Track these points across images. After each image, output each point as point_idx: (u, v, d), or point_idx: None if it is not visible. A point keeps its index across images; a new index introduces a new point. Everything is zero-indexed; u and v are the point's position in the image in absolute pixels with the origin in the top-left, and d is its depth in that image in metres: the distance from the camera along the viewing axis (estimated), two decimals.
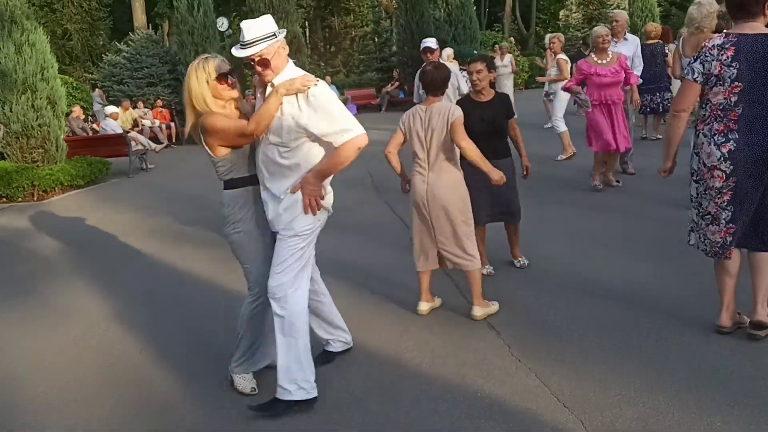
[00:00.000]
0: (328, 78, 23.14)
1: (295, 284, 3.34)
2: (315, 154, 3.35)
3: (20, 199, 10.66)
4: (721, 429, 2.93)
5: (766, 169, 3.52)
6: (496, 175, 4.27)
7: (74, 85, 19.62)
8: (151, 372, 4.06)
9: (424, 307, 4.55)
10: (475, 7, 42.58)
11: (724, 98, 3.55)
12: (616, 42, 8.10)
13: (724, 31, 3.71)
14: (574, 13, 35.39)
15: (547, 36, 13.12)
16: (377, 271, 5.55)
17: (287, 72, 3.30)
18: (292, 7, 17.95)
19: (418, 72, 7.01)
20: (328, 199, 3.47)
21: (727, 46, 3.51)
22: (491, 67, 5.02)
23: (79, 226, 8.46)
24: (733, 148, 3.54)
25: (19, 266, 6.78)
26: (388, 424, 3.25)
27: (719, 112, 3.59)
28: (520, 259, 5.37)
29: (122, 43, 21.00)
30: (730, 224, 3.64)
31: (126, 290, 5.68)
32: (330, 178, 3.44)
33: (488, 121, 4.82)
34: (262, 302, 3.48)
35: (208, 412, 3.51)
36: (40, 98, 11.09)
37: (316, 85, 3.19)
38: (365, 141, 3.27)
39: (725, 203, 3.62)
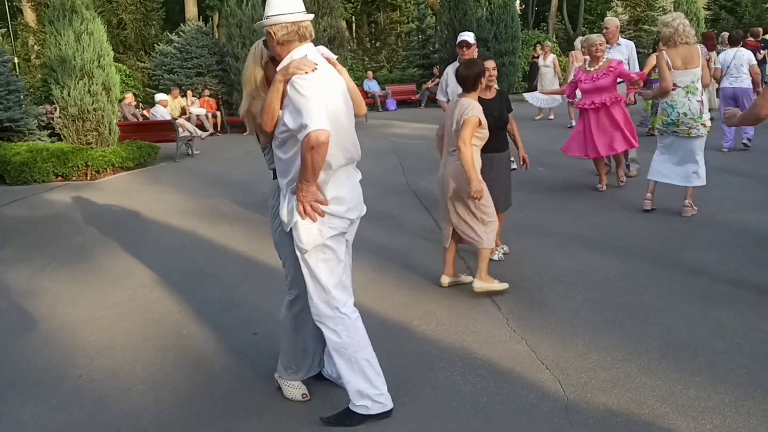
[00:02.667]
0: (369, 73, 23.60)
1: (330, 304, 3.16)
2: None
3: (74, 178, 11.37)
4: (681, 392, 3.32)
5: None
6: (476, 185, 4.56)
7: (127, 72, 20.47)
8: (189, 328, 4.59)
9: (444, 280, 4.98)
10: (523, 6, 42.79)
11: None
12: (609, 48, 8.36)
13: None
14: (621, 14, 35.25)
15: (579, 38, 13.40)
16: (397, 252, 6.00)
17: (294, 55, 3.04)
18: (336, 2, 18.45)
19: (446, 70, 7.42)
20: (339, 207, 3.12)
21: None
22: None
23: (128, 203, 9.09)
24: None
25: (74, 237, 7.40)
26: (390, 378, 3.68)
27: None
28: (502, 246, 5.68)
29: (173, 33, 21.79)
30: None
31: (168, 260, 6.24)
32: (338, 183, 3.14)
33: (497, 117, 5.23)
34: (302, 307, 3.33)
35: (236, 361, 4.01)
36: (96, 84, 11.79)
37: (306, 72, 2.92)
38: (317, 139, 2.80)
39: None
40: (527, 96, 9.40)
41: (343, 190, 3.14)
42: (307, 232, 3.07)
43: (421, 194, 8.42)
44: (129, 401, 3.63)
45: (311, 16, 3.16)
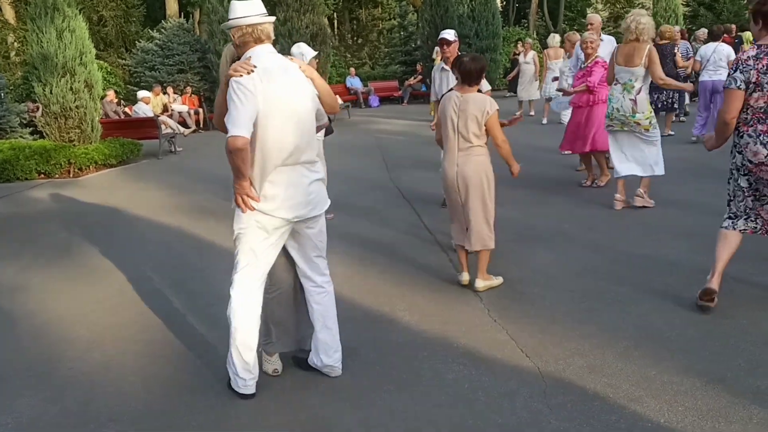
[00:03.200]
0: (352, 69, 23.68)
1: (234, 283, 3.45)
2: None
3: (57, 176, 11.37)
4: (654, 377, 3.46)
5: None
6: (517, 169, 4.83)
7: (108, 70, 20.40)
8: (177, 320, 4.68)
9: (464, 277, 4.94)
10: (504, 2, 43.01)
11: (765, 102, 3.96)
12: None
13: (757, 42, 4.06)
14: (601, 10, 35.60)
15: (554, 35, 13.60)
16: (381, 246, 6.11)
17: (247, 56, 3.27)
18: None
19: (432, 72, 7.52)
20: (266, 205, 3.30)
21: (761, 56, 3.93)
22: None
23: (112, 200, 9.12)
24: (762, 150, 3.98)
25: (59, 234, 7.44)
26: (375, 366, 3.81)
27: (761, 115, 3.99)
28: None
29: (154, 30, 21.73)
30: (755, 209, 4.20)
31: (154, 255, 6.31)
32: (272, 182, 3.29)
33: None
34: (268, 287, 3.60)
35: (225, 352, 4.09)
36: (78, 81, 11.79)
37: (241, 75, 3.14)
38: (233, 144, 3.06)
39: (758, 192, 4.15)
40: (553, 106, 9.72)
41: (276, 190, 3.29)
42: (238, 220, 3.39)
43: (405, 189, 8.54)
44: (121, 391, 3.71)
45: (270, 18, 3.35)
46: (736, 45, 15.29)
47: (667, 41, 10.96)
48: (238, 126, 3.08)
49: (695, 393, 3.28)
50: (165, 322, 4.66)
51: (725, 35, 16.14)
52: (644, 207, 6.66)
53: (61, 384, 3.85)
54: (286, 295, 3.69)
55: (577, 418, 3.13)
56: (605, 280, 4.90)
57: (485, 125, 4.62)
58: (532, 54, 16.40)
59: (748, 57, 3.98)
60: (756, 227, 4.26)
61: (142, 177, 11.22)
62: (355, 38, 38.32)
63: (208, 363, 3.98)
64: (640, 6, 29.99)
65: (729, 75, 4.08)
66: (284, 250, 3.57)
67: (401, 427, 3.19)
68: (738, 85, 3.99)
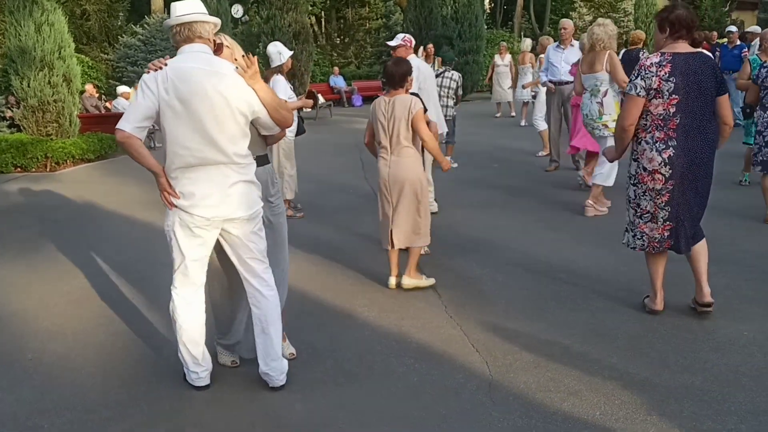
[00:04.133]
0: (336, 69, 23.74)
1: (173, 281, 3.54)
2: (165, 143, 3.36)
3: (34, 170, 11.35)
4: (596, 372, 3.58)
5: (698, 171, 4.02)
6: (447, 164, 4.95)
7: (90, 64, 20.32)
8: (141, 314, 4.75)
9: (391, 281, 4.98)
10: (492, 4, 43.18)
11: (664, 109, 3.98)
12: (563, 49, 8.68)
13: (661, 49, 4.10)
14: (585, 15, 35.85)
15: (527, 40, 13.77)
16: (350, 243, 6.22)
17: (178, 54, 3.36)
18: None
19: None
20: (184, 202, 3.33)
21: (663, 63, 3.95)
22: None
23: (87, 195, 9.14)
24: (672, 154, 3.99)
25: (31, 228, 7.47)
26: (330, 361, 3.91)
27: (659, 122, 4.01)
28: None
29: (138, 25, 21.67)
30: (667, 222, 4.11)
31: (125, 250, 6.36)
32: (191, 180, 3.33)
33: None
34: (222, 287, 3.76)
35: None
36: (57, 75, 11.76)
37: (148, 72, 3.27)
38: (117, 137, 3.24)
39: (663, 203, 4.08)
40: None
41: (193, 188, 3.31)
42: (166, 217, 3.47)
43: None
44: (78, 382, 3.78)
45: (208, 18, 3.35)
46: (716, 51, 15.50)
47: (635, 46, 11.11)
48: (125, 120, 3.21)
49: (632, 388, 3.40)
50: (128, 316, 4.73)
51: (704, 42, 16.38)
52: (595, 215, 6.73)
53: (19, 375, 3.91)
54: (234, 299, 3.74)
55: (518, 411, 3.25)
56: (561, 278, 5.02)
57: (411, 124, 4.73)
58: (508, 57, 16.59)
59: (651, 63, 3.99)
60: (643, 245, 4.25)
61: (120, 172, 11.22)
62: (342, 37, 38.32)
63: (167, 357, 4.05)
64: (623, 11, 30.26)
65: (630, 81, 4.09)
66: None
67: (348, 418, 3.29)
68: (638, 92, 4.01)
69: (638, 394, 3.33)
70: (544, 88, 9.69)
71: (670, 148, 4.00)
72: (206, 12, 3.41)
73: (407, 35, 7.04)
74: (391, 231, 4.91)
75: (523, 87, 13.46)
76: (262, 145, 3.69)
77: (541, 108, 10.29)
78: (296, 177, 7.27)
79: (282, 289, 3.81)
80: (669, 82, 3.94)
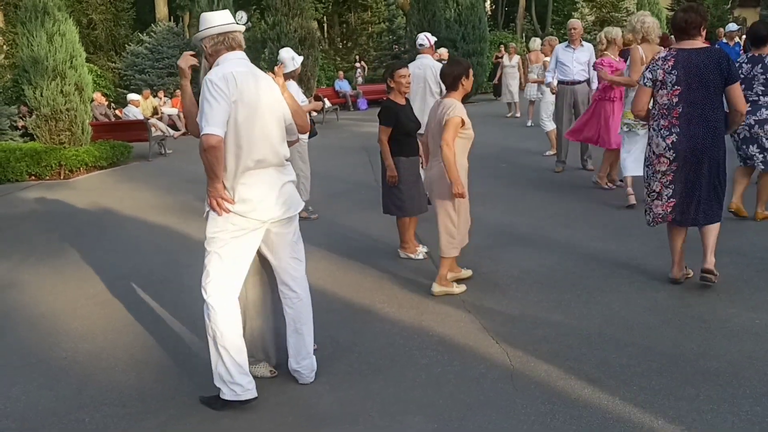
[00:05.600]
0: (340, 73, 23.90)
1: (209, 290, 3.42)
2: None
3: (48, 177, 11.52)
4: (614, 360, 3.70)
5: (701, 155, 4.40)
6: (459, 187, 4.59)
7: (98, 73, 20.54)
8: (166, 314, 4.88)
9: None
10: (494, 6, 43.34)
11: (668, 99, 4.45)
12: (573, 49, 8.76)
13: (671, 46, 4.57)
14: (587, 15, 35.97)
15: (536, 39, 13.86)
16: (364, 243, 6.35)
17: (219, 62, 3.41)
18: (307, 3, 18.67)
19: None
20: (242, 207, 3.36)
21: (668, 57, 4.43)
22: None
23: (102, 201, 9.30)
24: (675, 140, 4.42)
25: (51, 234, 7.62)
26: (353, 353, 4.03)
27: (664, 111, 4.48)
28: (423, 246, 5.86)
29: (144, 34, 21.90)
30: (671, 199, 4.54)
31: (145, 253, 6.50)
32: (246, 185, 3.37)
33: (415, 121, 5.61)
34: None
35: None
36: (69, 84, 11.95)
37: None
38: (206, 143, 3.17)
39: (668, 182, 4.52)
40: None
41: (250, 193, 3.35)
42: (213, 223, 3.40)
43: None
44: (112, 379, 3.92)
45: (241, 27, 3.49)
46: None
47: (626, 46, 11.17)
48: (213, 124, 3.17)
49: (650, 374, 3.51)
50: (154, 317, 4.87)
51: (706, 41, 16.43)
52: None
53: (55, 372, 4.05)
54: (255, 306, 3.73)
55: (540, 398, 3.37)
56: (575, 273, 5.14)
57: (443, 127, 4.64)
58: (517, 58, 16.71)
59: (659, 58, 4.50)
60: (649, 220, 4.71)
61: (132, 179, 11.39)
62: (345, 42, 38.50)
63: (196, 353, 4.18)
64: (625, 11, 30.35)
65: (642, 72, 4.59)
66: (259, 261, 3.64)
67: (376, 407, 3.41)
68: (645, 82, 4.55)
69: (656, 380, 3.45)
70: (548, 89, 9.80)
71: (673, 135, 4.43)
72: None
73: (428, 34, 7.22)
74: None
75: (530, 82, 13.47)
76: None
77: (548, 108, 10.38)
78: (309, 179, 7.40)
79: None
80: (672, 75, 4.40)
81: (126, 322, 4.80)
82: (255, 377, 3.56)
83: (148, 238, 7.16)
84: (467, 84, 4.77)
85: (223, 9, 17.25)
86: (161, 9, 27.25)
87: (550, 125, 10.27)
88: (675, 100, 4.41)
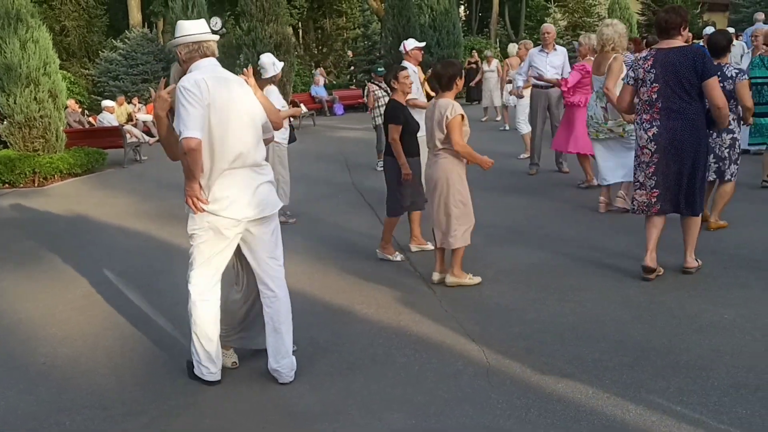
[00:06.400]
0: (317, 79, 23.91)
1: (190, 279, 3.65)
2: None
3: (22, 185, 11.41)
4: (586, 355, 3.80)
5: (680, 147, 4.69)
6: (486, 163, 4.98)
7: (71, 80, 20.38)
8: (145, 318, 4.90)
9: (435, 276, 5.15)
10: (468, 12, 43.67)
11: (648, 96, 4.78)
12: (547, 53, 8.91)
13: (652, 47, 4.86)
14: (560, 20, 36.40)
15: (513, 45, 14.05)
16: (342, 245, 6.41)
17: (193, 69, 3.55)
18: (282, 9, 18.73)
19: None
20: (215, 206, 3.50)
21: (648, 57, 4.77)
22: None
23: (78, 208, 9.24)
24: (656, 132, 4.75)
25: (26, 241, 7.57)
26: (332, 353, 4.09)
27: (647, 106, 4.82)
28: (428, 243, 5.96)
29: (118, 40, 21.77)
30: (654, 189, 4.82)
31: (122, 259, 6.50)
32: (220, 185, 3.50)
33: (416, 121, 5.70)
34: (239, 288, 3.92)
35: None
36: (42, 91, 11.84)
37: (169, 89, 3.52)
38: (186, 146, 3.30)
39: (651, 173, 4.82)
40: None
41: (225, 192, 3.50)
42: (191, 221, 3.59)
43: (366, 193, 8.82)
44: (93, 383, 3.93)
45: (215, 36, 3.68)
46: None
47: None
48: (191, 128, 3.32)
49: (621, 369, 3.62)
50: (133, 321, 4.88)
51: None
52: (624, 209, 6.66)
53: (35, 377, 4.05)
54: (248, 295, 3.89)
55: (515, 393, 3.45)
56: (550, 272, 5.25)
57: (447, 128, 4.81)
58: (495, 62, 16.90)
59: (640, 58, 4.85)
60: (633, 208, 5.01)
61: (108, 185, 11.33)
62: (320, 47, 38.56)
63: (177, 356, 4.19)
64: (597, 16, 30.75)
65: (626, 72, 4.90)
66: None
67: (357, 405, 3.47)
68: (627, 80, 4.92)
69: (627, 374, 3.55)
70: (528, 92, 9.91)
71: (654, 128, 4.76)
72: None
73: (407, 41, 7.39)
74: (437, 233, 5.05)
75: (510, 93, 13.68)
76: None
77: (524, 111, 10.54)
78: (288, 182, 7.44)
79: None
80: (650, 73, 4.73)
81: (105, 326, 4.81)
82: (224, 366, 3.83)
83: (125, 243, 7.15)
84: (460, 84, 5.00)
85: (198, 15, 17.29)
86: (135, 15, 27.11)
87: (525, 128, 10.43)
88: (654, 96, 4.74)
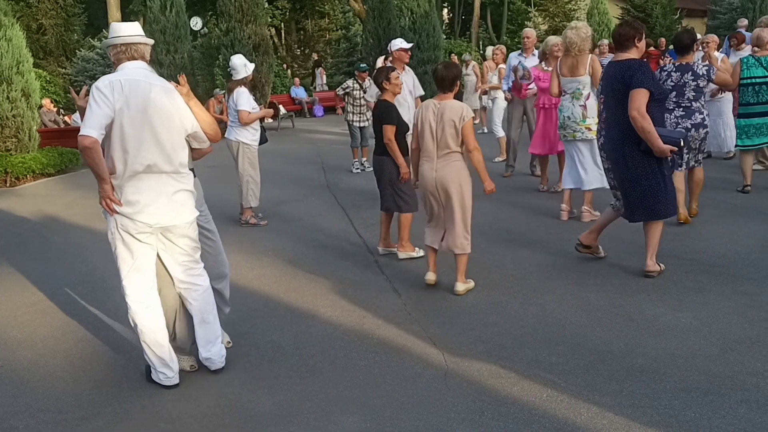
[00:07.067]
0: (296, 80, 23.89)
1: (125, 290, 3.68)
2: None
3: None
4: (544, 358, 3.83)
5: (617, 156, 4.93)
6: (490, 184, 4.91)
7: (47, 78, 20.19)
8: (107, 322, 4.86)
9: (430, 276, 5.09)
10: (451, 14, 43.79)
11: (599, 106, 5.14)
12: (525, 57, 8.97)
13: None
14: (541, 24, 36.62)
15: (489, 48, 14.12)
16: (312, 248, 6.39)
17: (119, 69, 3.61)
18: (260, 10, 18.64)
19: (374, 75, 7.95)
20: (127, 209, 3.52)
21: (604, 70, 5.10)
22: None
23: (49, 209, 9.17)
24: (603, 141, 5.08)
25: None
26: (295, 357, 4.09)
27: (599, 116, 5.17)
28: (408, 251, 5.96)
29: (96, 39, 21.58)
30: (615, 191, 5.19)
31: (89, 260, 6.45)
32: (134, 188, 3.53)
33: (405, 122, 5.72)
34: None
35: None
36: (15, 90, 11.71)
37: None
38: (80, 143, 3.34)
39: (610, 179, 5.19)
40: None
41: (138, 195, 3.53)
42: (108, 225, 3.65)
43: (340, 196, 8.81)
44: (50, 386, 3.91)
45: (148, 40, 3.70)
46: (664, 57, 16.03)
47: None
48: (88, 126, 3.36)
49: (577, 371, 3.65)
50: (95, 324, 4.85)
51: (652, 48, 16.94)
52: (591, 220, 6.47)
53: None
54: (170, 301, 3.87)
55: (471, 396, 3.47)
56: (513, 274, 5.28)
57: (461, 131, 4.77)
58: (473, 65, 16.95)
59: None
60: (615, 205, 5.25)
61: (81, 185, 11.21)
62: (302, 48, 38.48)
63: (135, 360, 4.16)
64: (577, 20, 30.96)
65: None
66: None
67: (313, 408, 3.48)
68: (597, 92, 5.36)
69: (582, 377, 3.58)
70: (502, 95, 9.97)
71: (602, 137, 5.09)
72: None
73: (395, 41, 7.44)
74: (449, 239, 4.95)
75: (479, 91, 13.76)
76: (190, 158, 3.85)
77: (500, 114, 10.60)
78: (260, 185, 7.43)
79: (225, 287, 4.21)
80: (601, 84, 5.09)
81: (67, 329, 4.78)
82: (182, 370, 3.88)
83: (93, 245, 7.08)
84: (458, 86, 5.05)
85: (176, 14, 17.12)
86: (114, 14, 26.87)
87: (501, 131, 10.48)
88: (601, 107, 5.06)
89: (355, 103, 10.87)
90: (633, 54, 4.86)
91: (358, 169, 10.70)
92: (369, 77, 10.69)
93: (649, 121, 4.65)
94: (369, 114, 10.34)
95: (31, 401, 3.73)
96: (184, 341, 3.95)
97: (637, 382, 3.49)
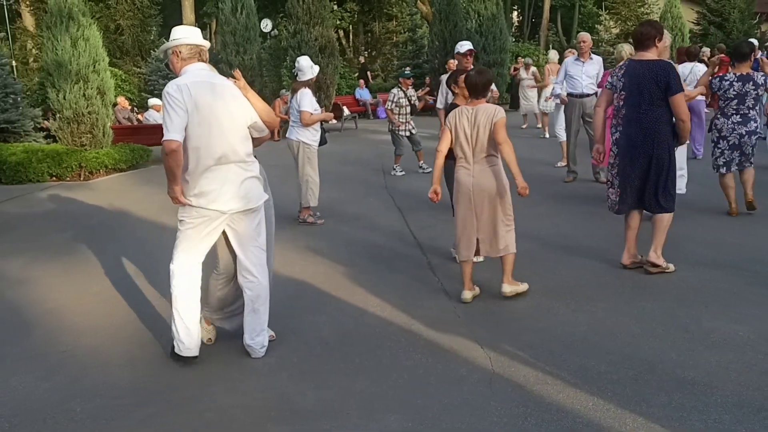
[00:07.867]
0: (361, 81, 24.08)
1: (174, 259, 4.01)
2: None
3: (68, 179, 11.78)
4: (593, 367, 3.77)
5: (635, 153, 5.08)
6: (523, 183, 4.69)
7: (123, 77, 20.92)
8: (167, 312, 4.98)
9: (467, 295, 4.91)
10: (521, 17, 43.35)
11: (617, 102, 5.22)
12: (582, 62, 8.82)
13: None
14: (612, 28, 35.84)
15: (552, 51, 13.91)
16: (366, 247, 6.46)
17: (190, 69, 3.87)
18: (327, 12, 18.85)
19: (445, 78, 7.95)
20: (201, 200, 3.83)
21: (623, 67, 5.21)
22: None
23: (119, 203, 9.52)
24: (618, 137, 5.21)
25: (65, 233, 7.83)
26: (340, 354, 4.14)
27: (616, 112, 5.26)
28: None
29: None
30: (618, 188, 5.27)
31: (154, 253, 6.65)
32: (204, 179, 3.81)
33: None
34: (218, 273, 4.23)
35: (207, 345, 4.44)
36: (91, 88, 12.21)
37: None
38: (167, 147, 3.63)
39: (616, 174, 5.28)
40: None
41: (211, 186, 3.82)
42: (182, 209, 3.94)
43: (398, 198, 8.85)
44: (108, 373, 4.07)
45: (208, 44, 3.99)
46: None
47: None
48: (171, 131, 3.64)
49: (625, 381, 3.58)
50: (155, 315, 5.01)
51: (723, 55, 16.34)
52: None
53: (53, 365, 4.21)
54: (227, 281, 4.24)
55: (515, 401, 3.45)
56: (565, 280, 5.22)
57: (494, 127, 4.72)
58: (533, 69, 16.76)
59: (618, 67, 5.37)
60: (609, 206, 5.39)
61: (150, 181, 11.59)
62: (369, 51, 38.76)
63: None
64: None
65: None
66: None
67: (356, 405, 3.52)
68: (608, 86, 5.28)
69: (631, 387, 3.51)
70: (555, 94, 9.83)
71: (618, 133, 5.22)
72: None
73: (461, 43, 7.50)
74: (478, 240, 4.90)
75: (546, 100, 13.68)
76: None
77: (562, 119, 10.44)
78: (319, 185, 7.54)
79: (271, 271, 4.36)
80: (621, 81, 5.14)
81: (127, 319, 4.96)
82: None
83: (159, 239, 7.31)
84: (491, 91, 5.19)
85: (246, 16, 17.51)
86: (188, 15, 27.70)
87: (564, 136, 10.32)
88: (621, 103, 5.16)
89: (401, 111, 10.67)
90: (653, 53, 5.02)
91: (401, 172, 10.64)
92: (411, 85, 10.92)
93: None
94: (413, 122, 10.77)
95: (90, 386, 3.89)
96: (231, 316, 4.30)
97: (687, 395, 3.40)
